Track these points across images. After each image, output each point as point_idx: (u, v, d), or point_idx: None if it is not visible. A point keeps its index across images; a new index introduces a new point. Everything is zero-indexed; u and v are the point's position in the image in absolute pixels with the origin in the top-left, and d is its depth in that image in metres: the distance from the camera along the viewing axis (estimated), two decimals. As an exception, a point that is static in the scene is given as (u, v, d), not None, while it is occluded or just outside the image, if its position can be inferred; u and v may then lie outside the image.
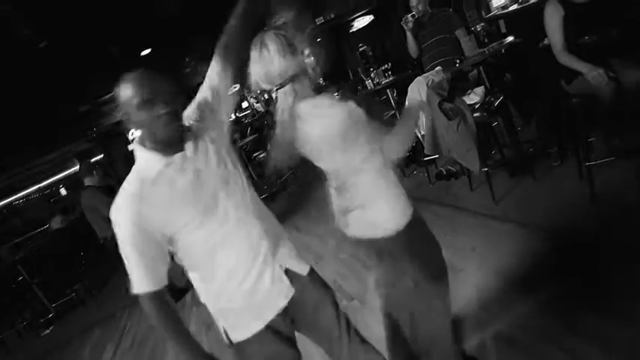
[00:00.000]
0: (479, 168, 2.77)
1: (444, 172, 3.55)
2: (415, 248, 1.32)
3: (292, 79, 1.24)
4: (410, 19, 3.40)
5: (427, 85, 3.22)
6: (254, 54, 1.26)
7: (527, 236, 2.25)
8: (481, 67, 2.96)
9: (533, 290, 1.83)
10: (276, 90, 1.26)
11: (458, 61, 3.05)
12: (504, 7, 7.41)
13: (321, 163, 1.32)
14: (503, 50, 3.02)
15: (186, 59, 7.90)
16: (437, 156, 3.46)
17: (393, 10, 10.98)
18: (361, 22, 12.25)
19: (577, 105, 2.06)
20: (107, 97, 8.70)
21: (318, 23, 7.77)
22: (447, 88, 2.81)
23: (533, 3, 5.83)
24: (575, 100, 2.06)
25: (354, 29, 12.00)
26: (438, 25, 3.43)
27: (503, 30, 6.37)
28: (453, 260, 2.31)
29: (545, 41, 2.76)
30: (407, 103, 3.44)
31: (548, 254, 2.05)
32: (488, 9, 8.44)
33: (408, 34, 3.52)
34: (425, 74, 3.37)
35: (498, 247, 2.26)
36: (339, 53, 12.25)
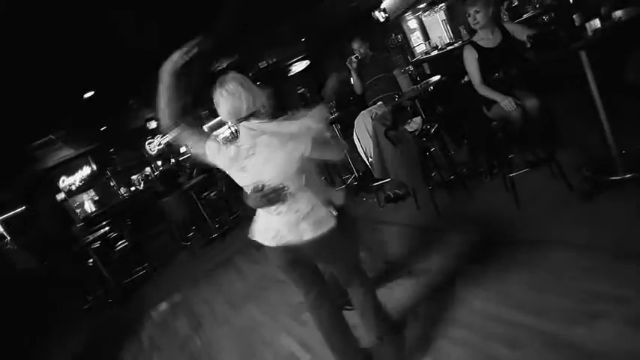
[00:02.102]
0: (424, 187, 3.14)
1: (392, 196, 3.89)
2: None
3: (252, 114, 1.53)
4: (354, 59, 3.84)
5: (372, 117, 3.63)
6: (216, 94, 1.55)
7: (467, 240, 2.60)
8: (416, 101, 3.42)
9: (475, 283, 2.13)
10: (238, 123, 1.55)
11: (397, 96, 3.49)
12: (427, 52, 8.48)
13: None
14: (431, 87, 3.55)
15: (130, 102, 7.77)
16: (385, 181, 3.82)
17: (326, 56, 11.90)
18: (298, 66, 13.05)
19: (496, 127, 2.52)
20: (38, 142, 8.17)
21: (260, 67, 8.22)
22: (390, 119, 3.21)
23: (450, 49, 6.81)
24: (494, 124, 2.52)
25: (291, 73, 12.74)
26: (377, 65, 3.91)
27: (428, 71, 7.29)
28: (411, 266, 2.59)
29: (466, 78, 3.32)
30: (355, 132, 3.79)
31: (483, 252, 2.39)
32: (413, 54, 9.55)
33: (353, 73, 3.95)
34: (368, 108, 3.81)
35: (444, 252, 2.57)
36: (280, 95, 12.77)
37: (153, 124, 10.99)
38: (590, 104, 2.26)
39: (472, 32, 6.35)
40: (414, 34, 10.16)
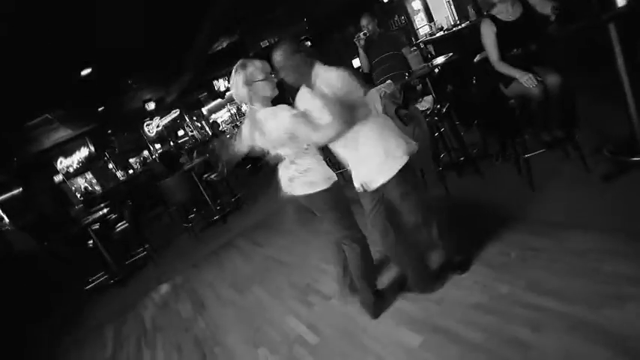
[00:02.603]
0: (434, 168, 3.05)
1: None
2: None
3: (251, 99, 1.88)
4: (362, 37, 3.70)
5: (380, 96, 3.51)
6: (231, 79, 1.91)
7: (481, 223, 2.52)
8: (427, 79, 3.30)
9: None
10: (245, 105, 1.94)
11: (407, 74, 3.36)
12: (432, 34, 8.27)
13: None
14: (438, 66, 3.42)
15: (129, 82, 7.58)
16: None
17: (328, 37, 11.63)
18: (300, 48, 12.76)
19: (513, 105, 2.41)
20: (34, 122, 8.01)
21: (262, 47, 8.00)
22: (400, 97, 3.09)
23: (457, 30, 6.62)
24: (511, 102, 2.41)
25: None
26: (386, 43, 3.76)
27: (433, 53, 7.10)
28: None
29: (478, 57, 3.19)
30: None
31: (498, 235, 2.32)
32: (417, 36, 9.32)
33: (360, 51, 3.81)
34: (377, 87, 3.68)
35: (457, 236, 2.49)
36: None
37: (151, 106, 10.81)
38: (612, 82, 2.15)
39: (479, 11, 6.15)
40: (418, 15, 9.91)
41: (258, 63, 1.87)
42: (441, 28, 8.17)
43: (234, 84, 1.86)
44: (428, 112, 2.99)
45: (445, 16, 8.84)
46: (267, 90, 1.87)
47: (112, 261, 4.97)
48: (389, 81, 3.69)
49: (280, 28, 8.00)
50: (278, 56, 1.78)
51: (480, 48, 3.14)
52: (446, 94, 3.39)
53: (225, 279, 3.63)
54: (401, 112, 3.03)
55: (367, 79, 4.23)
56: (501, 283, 1.96)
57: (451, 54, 3.44)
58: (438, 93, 3.33)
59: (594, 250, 1.85)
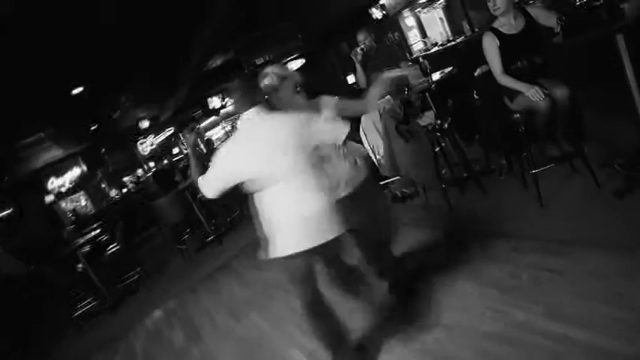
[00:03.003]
0: (437, 186, 2.95)
1: (400, 195, 3.72)
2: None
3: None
4: (359, 51, 3.65)
5: (380, 111, 3.44)
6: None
7: (488, 242, 2.40)
8: (427, 94, 3.23)
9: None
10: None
11: (406, 89, 3.30)
12: (426, 49, 8.33)
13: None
14: (433, 82, 3.37)
15: (122, 98, 7.50)
16: (392, 179, 3.63)
17: (322, 52, 11.69)
18: (293, 65, 12.85)
19: (518, 120, 2.33)
20: (26, 141, 7.86)
21: (258, 64, 7.98)
22: (401, 113, 3.02)
23: (453, 45, 6.64)
24: (516, 116, 2.34)
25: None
26: (383, 58, 3.71)
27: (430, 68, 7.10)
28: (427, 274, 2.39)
29: (478, 70, 3.13)
30: (361, 127, 3.61)
31: (509, 255, 2.20)
32: (411, 52, 9.39)
33: (357, 66, 3.75)
34: (378, 101, 3.61)
35: (464, 256, 2.37)
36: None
37: (145, 124, 10.71)
38: (621, 94, 2.09)
39: (475, 27, 6.15)
40: (412, 31, 10.02)
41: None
42: (436, 44, 8.24)
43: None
44: (429, 128, 2.91)
45: (439, 32, 8.95)
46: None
47: (102, 285, 4.76)
48: (388, 96, 3.63)
49: (275, 44, 8.01)
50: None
51: (479, 62, 3.09)
52: (446, 109, 3.32)
53: (223, 305, 3.45)
54: (402, 128, 2.96)
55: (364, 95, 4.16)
56: (516, 308, 1.83)
57: (450, 68, 3.39)
58: (438, 108, 3.26)
59: (615, 272, 1.74)
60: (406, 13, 9.73)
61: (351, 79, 10.44)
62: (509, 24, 2.33)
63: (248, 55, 7.92)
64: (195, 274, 4.57)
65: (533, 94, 2.15)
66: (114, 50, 5.57)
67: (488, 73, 2.55)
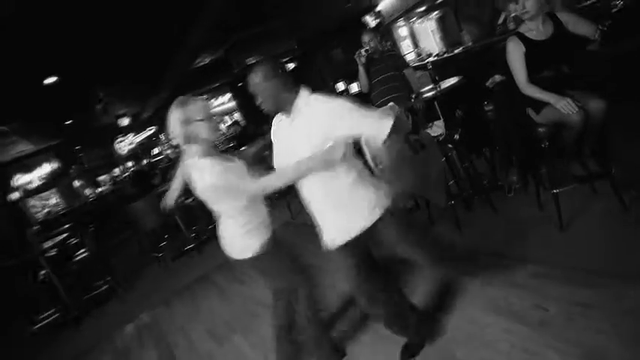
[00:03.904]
0: (445, 202, 2.72)
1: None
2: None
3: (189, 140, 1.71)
4: (363, 53, 3.42)
5: (383, 119, 3.21)
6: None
7: (504, 266, 2.18)
8: (436, 103, 3.02)
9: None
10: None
11: (413, 97, 3.08)
12: (420, 59, 8.25)
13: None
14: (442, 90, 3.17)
15: (100, 95, 7.05)
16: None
17: (312, 58, 11.50)
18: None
19: (543, 134, 2.13)
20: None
21: (248, 63, 7.67)
22: (408, 122, 2.78)
23: (458, 54, 6.48)
24: (541, 130, 2.14)
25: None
26: (387, 62, 3.49)
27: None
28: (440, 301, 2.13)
29: (490, 80, 2.94)
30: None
31: (528, 282, 1.98)
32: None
33: (360, 69, 3.52)
34: (379, 109, 3.38)
35: (476, 281, 2.14)
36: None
37: (124, 121, 10.20)
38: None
39: (487, 35, 6.05)
40: (405, 41, 9.97)
41: (200, 102, 1.74)
42: (430, 55, 8.17)
43: (171, 121, 1.72)
44: (440, 139, 2.69)
45: (431, 43, 8.92)
46: (204, 132, 1.70)
47: (68, 295, 4.31)
48: (391, 103, 3.41)
49: (268, 45, 7.73)
50: (254, 80, 1.55)
51: (491, 72, 2.90)
52: (454, 120, 3.11)
53: (201, 322, 3.11)
54: (410, 139, 2.72)
55: (365, 100, 3.94)
56: (548, 349, 1.60)
57: (459, 77, 3.19)
58: (446, 118, 3.05)
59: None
60: (400, 22, 9.67)
61: (340, 86, 10.30)
62: (537, 29, 2.14)
63: (238, 54, 7.61)
64: (171, 285, 4.19)
65: (564, 105, 1.95)
66: (94, 40, 5.18)
67: (507, 83, 2.35)
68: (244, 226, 1.78)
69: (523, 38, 2.16)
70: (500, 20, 6.54)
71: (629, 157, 2.42)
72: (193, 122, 1.68)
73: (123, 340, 3.46)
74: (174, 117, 1.70)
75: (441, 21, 8.93)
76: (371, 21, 9.51)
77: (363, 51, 3.52)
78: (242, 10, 6.67)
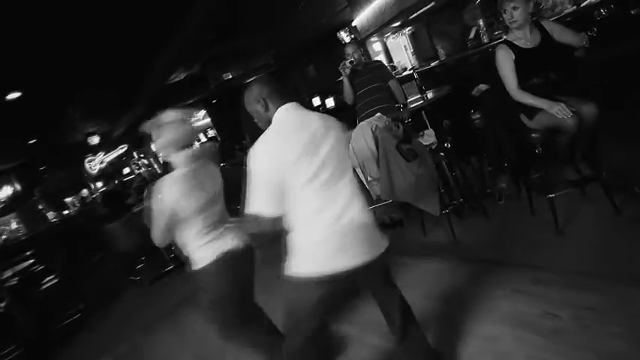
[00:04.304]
0: (439, 211, 2.69)
1: (388, 221, 3.43)
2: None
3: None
4: (348, 65, 3.41)
5: (372, 129, 3.18)
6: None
7: (502, 273, 2.16)
8: (423, 112, 3.03)
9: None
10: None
11: (402, 106, 3.08)
12: (396, 73, 8.43)
13: None
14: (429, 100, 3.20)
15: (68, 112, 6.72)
16: (378, 205, 3.35)
17: (287, 73, 11.54)
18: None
19: (536, 140, 2.16)
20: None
21: (225, 79, 7.57)
22: (399, 131, 2.76)
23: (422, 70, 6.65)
24: (534, 136, 2.16)
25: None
26: (372, 74, 3.50)
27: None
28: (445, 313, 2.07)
29: (475, 90, 2.99)
30: (350, 147, 3.32)
31: (529, 288, 1.95)
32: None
33: (345, 80, 3.50)
34: (368, 119, 3.35)
35: (477, 289, 2.10)
36: (236, 114, 12.16)
37: (94, 140, 9.78)
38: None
39: (459, 49, 6.25)
40: (379, 56, 10.19)
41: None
42: (405, 69, 8.37)
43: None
44: (433, 147, 2.67)
45: (404, 58, 9.15)
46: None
47: (30, 328, 3.94)
48: (379, 114, 3.39)
49: (245, 60, 7.67)
50: (245, 101, 1.58)
51: (476, 81, 2.94)
52: (442, 129, 3.13)
53: (189, 349, 2.90)
54: (402, 148, 2.68)
55: (350, 112, 3.92)
56: (565, 357, 1.55)
57: (445, 87, 3.23)
58: (433, 127, 3.06)
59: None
60: (374, 38, 9.89)
61: (316, 101, 10.35)
62: (525, 37, 2.18)
63: (215, 69, 7.49)
64: (151, 310, 3.93)
65: (559, 110, 1.98)
66: (62, 53, 4.94)
67: (495, 90, 2.38)
68: (197, 235, 1.75)
69: (512, 46, 2.20)
70: (472, 35, 6.79)
71: (617, 161, 2.49)
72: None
73: (99, 374, 3.18)
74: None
75: (413, 37, 9.20)
76: (345, 36, 9.68)
77: (347, 62, 3.51)
78: (218, 25, 6.60)
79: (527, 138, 2.18)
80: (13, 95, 4.98)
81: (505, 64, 2.19)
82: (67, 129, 8.53)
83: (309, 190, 1.39)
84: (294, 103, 1.52)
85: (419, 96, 3.26)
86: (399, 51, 9.67)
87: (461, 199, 3.04)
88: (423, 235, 3.01)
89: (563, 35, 2.15)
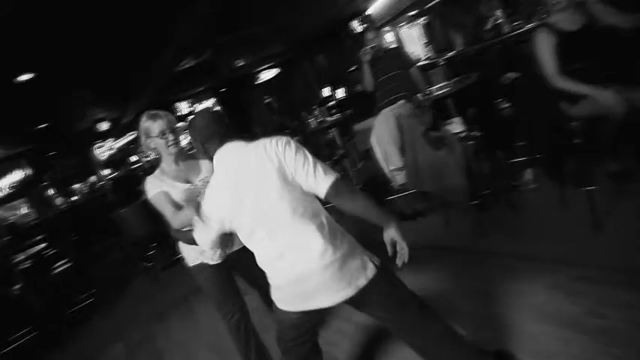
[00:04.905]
0: (466, 202, 2.59)
1: (409, 212, 3.33)
2: None
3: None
4: (369, 50, 3.30)
5: (395, 118, 3.07)
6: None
7: (539, 268, 2.06)
8: (450, 100, 2.91)
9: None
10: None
11: (427, 93, 2.96)
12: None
13: None
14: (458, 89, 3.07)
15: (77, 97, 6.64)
16: (399, 194, 3.26)
17: (297, 64, 11.38)
18: (267, 74, 12.43)
19: (578, 128, 2.04)
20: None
21: (233, 67, 7.45)
22: (427, 118, 2.66)
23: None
24: (575, 124, 2.04)
25: (259, 81, 12.08)
26: (393, 60, 3.38)
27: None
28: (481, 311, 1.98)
29: (506, 77, 2.86)
30: (373, 135, 3.22)
31: (570, 284, 1.85)
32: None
33: (365, 67, 3.40)
34: (391, 107, 3.25)
35: (515, 284, 2.00)
36: (245, 104, 12.03)
37: (103, 126, 9.73)
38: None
39: (474, 41, 6.08)
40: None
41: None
42: (419, 59, 8.21)
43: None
44: (462, 136, 2.57)
45: (418, 48, 8.97)
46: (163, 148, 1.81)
47: (45, 312, 3.93)
48: (402, 101, 3.29)
49: (257, 47, 7.54)
50: None
51: (504, 69, 2.82)
52: (467, 118, 3.01)
53: (202, 338, 2.85)
54: (430, 136, 2.59)
55: (368, 99, 3.80)
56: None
57: (472, 74, 3.10)
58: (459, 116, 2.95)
59: None
60: (387, 28, 9.69)
61: (326, 92, 10.19)
62: (568, 20, 2.05)
63: (226, 56, 7.37)
64: (164, 297, 3.90)
65: (607, 98, 1.86)
66: (71, 38, 4.84)
67: (528, 78, 2.26)
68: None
69: (553, 29, 2.07)
70: (489, 25, 6.60)
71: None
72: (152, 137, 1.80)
73: (112, 361, 3.15)
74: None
75: (427, 27, 9.00)
76: (358, 26, 9.48)
77: (368, 48, 3.40)
78: (227, 12, 6.47)
79: (566, 127, 2.06)
80: (22, 77, 4.89)
81: (545, 48, 2.07)
82: (76, 115, 8.48)
83: (253, 242, 1.35)
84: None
85: (444, 83, 3.13)
86: (411, 41, 9.49)
87: (488, 191, 2.93)
88: (445, 227, 2.92)
89: (610, 17, 2.02)
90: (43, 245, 4.68)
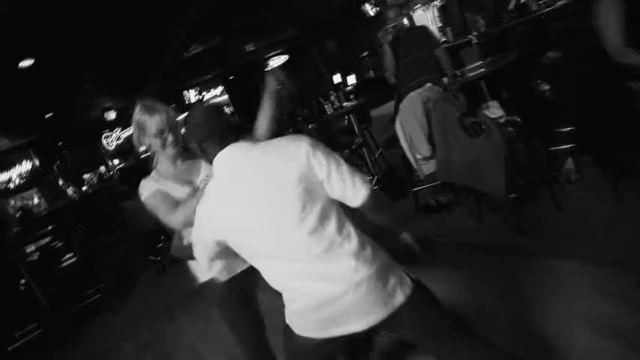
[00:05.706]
0: (505, 195, 2.32)
1: (434, 204, 3.10)
2: None
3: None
4: (390, 30, 3.01)
5: (422, 102, 2.80)
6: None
7: (591, 272, 1.81)
8: (483, 83, 2.63)
9: None
10: None
11: (459, 73, 2.69)
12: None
13: None
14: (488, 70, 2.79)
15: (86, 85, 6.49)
16: (424, 186, 3.02)
17: (307, 51, 11.06)
18: (276, 61, 12.15)
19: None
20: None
21: (244, 52, 7.21)
22: (463, 102, 2.38)
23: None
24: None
25: (268, 68, 11.81)
26: (416, 41, 3.11)
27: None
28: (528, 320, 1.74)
29: (547, 56, 2.56)
30: (397, 122, 2.96)
31: (633, 293, 1.60)
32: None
33: (386, 48, 3.13)
34: (417, 90, 2.97)
35: (563, 289, 1.76)
36: (255, 91, 11.81)
37: (111, 115, 9.60)
38: None
39: (494, 23, 5.74)
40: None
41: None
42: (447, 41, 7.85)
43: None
44: (501, 121, 2.29)
45: (436, 31, 8.59)
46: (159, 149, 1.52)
47: (51, 307, 3.80)
48: (429, 84, 3.01)
49: (267, 32, 7.26)
50: None
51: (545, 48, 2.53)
52: (501, 102, 2.72)
53: (215, 338, 2.67)
54: (466, 121, 2.31)
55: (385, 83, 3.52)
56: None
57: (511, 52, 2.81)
58: (495, 99, 2.67)
59: None
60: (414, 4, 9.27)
61: (336, 78, 9.88)
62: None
63: (236, 41, 7.12)
64: (173, 293, 3.73)
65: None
66: (78, 24, 4.66)
67: (589, 52, 1.97)
68: None
69: (622, -4, 1.77)
70: (512, 5, 6.21)
71: None
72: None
73: (120, 360, 3.00)
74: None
75: (443, 10, 8.60)
76: (370, 9, 9.10)
77: (389, 27, 3.11)
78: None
79: (632, 108, 1.78)
80: (26, 63, 4.72)
81: (611, 18, 1.77)
82: (84, 104, 8.35)
83: (261, 261, 1.14)
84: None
85: (479, 63, 2.84)
86: (426, 24, 9.10)
87: (525, 182, 2.66)
88: (476, 222, 2.67)
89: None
90: (50, 238, 4.55)
